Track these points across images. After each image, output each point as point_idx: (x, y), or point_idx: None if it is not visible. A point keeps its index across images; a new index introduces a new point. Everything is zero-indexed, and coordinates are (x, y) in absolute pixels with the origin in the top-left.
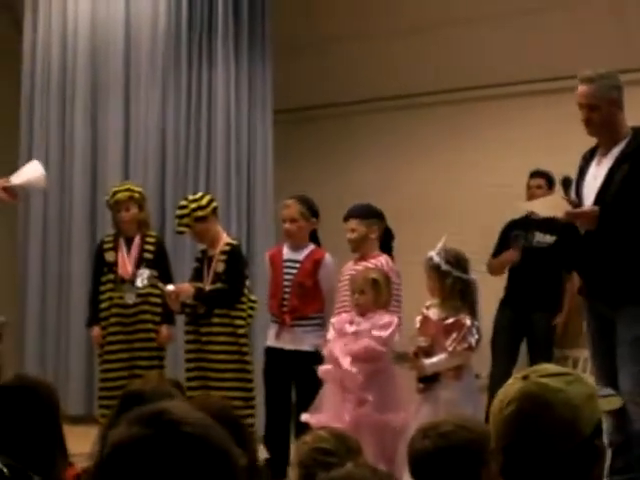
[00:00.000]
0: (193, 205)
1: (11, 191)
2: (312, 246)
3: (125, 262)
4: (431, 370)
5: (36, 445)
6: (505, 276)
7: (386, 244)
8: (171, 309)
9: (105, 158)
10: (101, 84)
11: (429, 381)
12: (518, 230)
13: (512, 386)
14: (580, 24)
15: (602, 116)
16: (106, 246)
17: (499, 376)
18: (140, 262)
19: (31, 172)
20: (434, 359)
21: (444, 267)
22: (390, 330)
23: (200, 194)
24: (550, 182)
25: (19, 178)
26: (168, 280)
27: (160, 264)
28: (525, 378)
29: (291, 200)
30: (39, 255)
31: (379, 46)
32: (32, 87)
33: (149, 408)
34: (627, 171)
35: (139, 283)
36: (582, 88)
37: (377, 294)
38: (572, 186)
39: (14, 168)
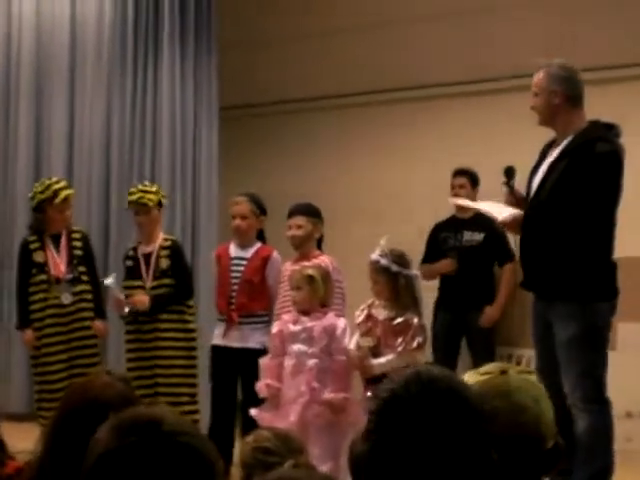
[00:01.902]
0: (157, 188)
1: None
2: (259, 244)
3: (57, 262)
4: (379, 370)
5: None
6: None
7: (318, 246)
8: (113, 308)
9: (49, 157)
10: (46, 83)
11: (376, 382)
12: (446, 232)
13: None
14: (522, 24)
15: (542, 105)
16: (33, 246)
17: None
18: (71, 260)
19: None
20: (382, 359)
21: (394, 268)
22: (346, 338)
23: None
24: (474, 181)
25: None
26: (95, 275)
27: (88, 260)
28: None
29: (241, 197)
30: None
31: (325, 43)
32: None
33: (140, 416)
34: (562, 170)
35: (110, 282)
36: (535, 75)
37: (313, 290)
38: (515, 176)
39: None
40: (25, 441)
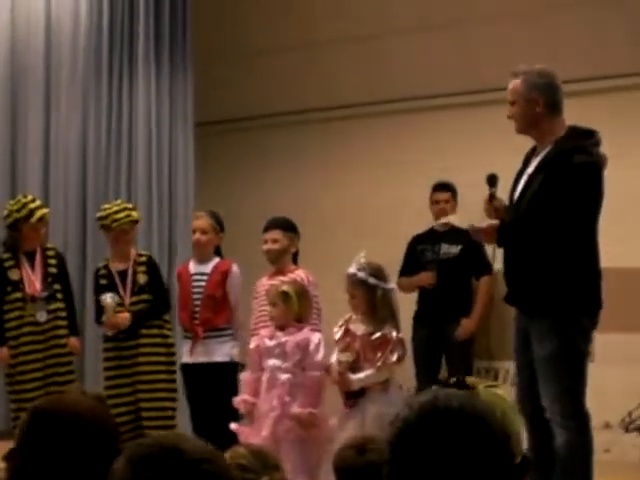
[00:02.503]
0: (131, 206)
1: None
2: (217, 259)
3: (32, 280)
4: (358, 385)
5: None
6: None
7: (294, 260)
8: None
9: (24, 170)
10: (20, 96)
11: (355, 396)
12: (423, 244)
13: None
14: (508, 37)
15: (519, 113)
16: (7, 264)
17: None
18: (46, 278)
19: None
20: (361, 375)
21: (371, 281)
22: (319, 353)
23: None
24: (455, 195)
25: None
26: (69, 293)
27: (63, 278)
28: None
29: (201, 212)
30: None
31: (300, 58)
32: None
33: (160, 445)
34: (540, 182)
35: (104, 298)
36: (511, 81)
37: (287, 307)
38: (498, 184)
39: None
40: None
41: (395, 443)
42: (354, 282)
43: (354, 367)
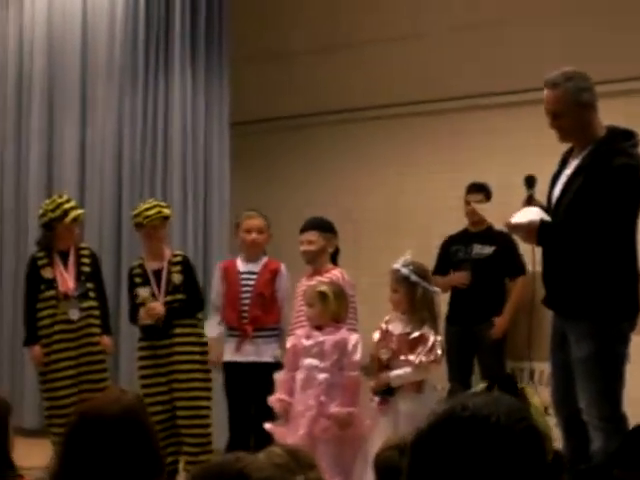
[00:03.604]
0: (163, 204)
1: None
2: (266, 257)
3: (65, 278)
4: (396, 383)
5: None
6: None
7: (333, 259)
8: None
9: (61, 167)
10: (57, 96)
11: (386, 394)
12: (457, 245)
13: None
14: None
15: (571, 122)
16: (40, 262)
17: (457, 392)
18: (79, 276)
19: None
20: (399, 372)
21: (413, 278)
22: (357, 354)
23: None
24: (488, 196)
25: None
26: (102, 292)
27: (96, 277)
28: None
29: (253, 212)
30: None
31: (338, 58)
32: None
33: (225, 469)
34: (579, 185)
35: (141, 292)
36: (546, 93)
37: (325, 307)
38: (536, 185)
39: None
40: (37, 457)
41: (415, 447)
42: (397, 278)
43: (388, 366)
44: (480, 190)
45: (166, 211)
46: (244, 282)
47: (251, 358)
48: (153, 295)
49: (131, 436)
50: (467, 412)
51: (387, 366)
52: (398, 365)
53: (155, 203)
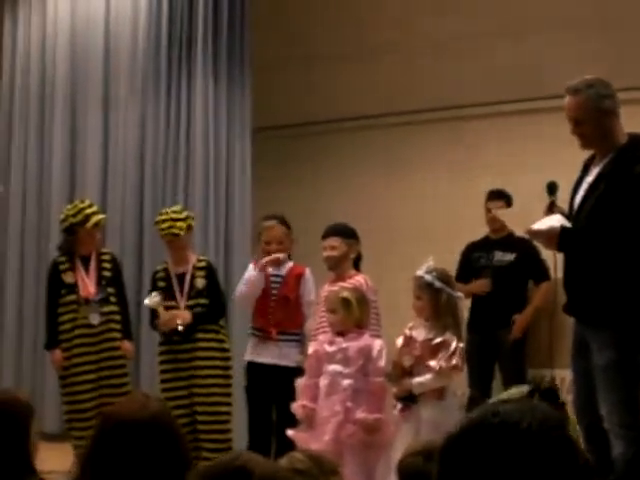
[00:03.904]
0: (186, 213)
1: None
2: (291, 262)
3: (86, 283)
4: (418, 390)
5: (3, 461)
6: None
7: (356, 265)
8: (156, 329)
9: (84, 172)
10: (80, 99)
11: (409, 401)
12: (478, 252)
13: None
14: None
15: (592, 129)
16: (62, 267)
17: (477, 399)
18: (100, 281)
19: None
20: (421, 379)
21: (437, 284)
22: (382, 359)
23: (184, 207)
24: (509, 203)
25: None
26: (123, 297)
27: (117, 282)
28: None
29: (273, 221)
30: (17, 271)
31: (359, 65)
32: (10, 105)
33: (230, 465)
34: (601, 192)
35: (147, 303)
36: (567, 100)
37: (348, 313)
38: (558, 192)
39: None
40: (58, 461)
41: (445, 453)
42: (421, 284)
43: (412, 373)
44: (500, 197)
45: (178, 225)
46: (271, 285)
47: (272, 360)
48: (175, 307)
49: (160, 442)
50: (497, 418)
51: (410, 373)
52: (421, 372)
53: (170, 216)
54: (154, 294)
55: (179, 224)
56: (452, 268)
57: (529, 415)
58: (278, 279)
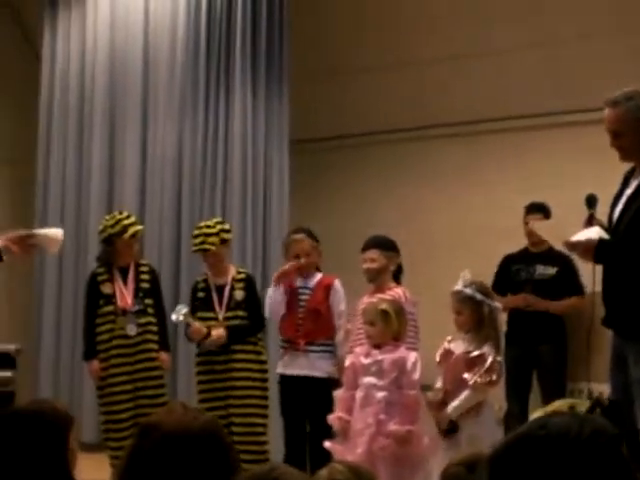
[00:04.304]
0: (220, 227)
1: (26, 244)
2: (320, 274)
3: (124, 294)
4: (456, 413)
5: (42, 471)
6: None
7: (396, 277)
8: (190, 340)
9: (122, 185)
10: (118, 112)
11: (452, 432)
12: (518, 264)
13: None
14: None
15: (631, 141)
16: (100, 278)
17: (514, 412)
18: (137, 292)
19: (52, 232)
20: (456, 402)
21: (479, 297)
22: (416, 372)
23: (221, 219)
24: (547, 215)
25: (39, 231)
26: (161, 308)
27: (155, 293)
28: None
29: (300, 235)
30: (55, 282)
31: (395, 77)
32: (49, 115)
33: (261, 477)
34: (639, 205)
35: (174, 319)
36: (607, 112)
37: (387, 325)
38: (597, 205)
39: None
40: (95, 471)
41: (493, 465)
42: (461, 299)
43: (446, 402)
44: (539, 210)
45: (210, 241)
46: (299, 297)
47: (302, 372)
48: (215, 319)
49: (211, 453)
50: (544, 430)
51: (444, 402)
52: (456, 391)
53: (202, 231)
54: (179, 307)
55: (211, 239)
56: (488, 280)
57: (577, 426)
58: (307, 291)
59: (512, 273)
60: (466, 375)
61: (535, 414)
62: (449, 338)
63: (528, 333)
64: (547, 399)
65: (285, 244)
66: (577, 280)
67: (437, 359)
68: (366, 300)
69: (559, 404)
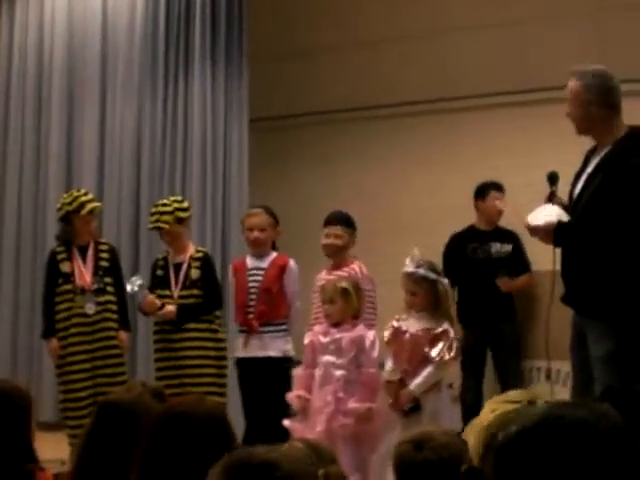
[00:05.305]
0: (176, 205)
1: None
2: (274, 253)
3: (83, 272)
4: (419, 391)
5: (4, 449)
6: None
7: None
8: (142, 312)
9: (80, 164)
10: (77, 90)
11: (414, 410)
12: (471, 243)
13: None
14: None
15: (577, 114)
16: (59, 257)
17: (470, 390)
18: (97, 271)
19: None
20: (419, 379)
21: (432, 276)
22: (375, 350)
23: (180, 198)
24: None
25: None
26: (120, 287)
27: (114, 272)
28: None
29: (258, 209)
30: (12, 262)
31: (355, 56)
32: (7, 93)
33: (255, 457)
34: (598, 183)
35: (129, 289)
36: (571, 84)
37: (347, 304)
38: (558, 182)
39: None
40: (55, 450)
41: (501, 453)
42: (415, 279)
43: (407, 369)
44: (500, 189)
45: (163, 219)
46: (252, 278)
47: (258, 353)
48: (169, 297)
49: (217, 440)
50: (558, 421)
51: (401, 380)
52: (413, 376)
53: (157, 209)
54: (134, 278)
55: (165, 217)
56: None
57: (594, 420)
58: (260, 271)
59: (468, 251)
60: (432, 352)
61: (494, 404)
62: (397, 317)
63: (485, 311)
64: (502, 377)
65: (242, 219)
66: (526, 257)
67: (385, 339)
68: (324, 276)
69: (514, 395)
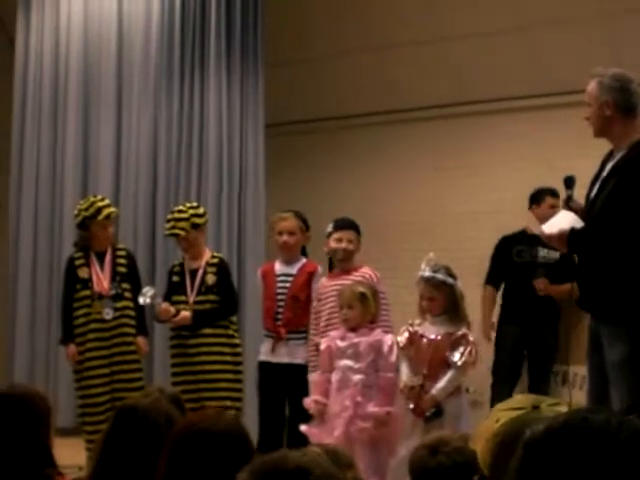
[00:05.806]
0: (192, 211)
1: None
2: (304, 259)
3: (100, 278)
4: (443, 395)
5: (24, 455)
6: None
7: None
8: (158, 320)
9: (96, 171)
10: (93, 97)
11: (436, 416)
12: (520, 245)
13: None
14: (568, 43)
15: (595, 116)
16: (77, 262)
17: (503, 396)
18: (114, 276)
19: None
20: (441, 384)
21: (450, 281)
22: (393, 355)
23: (196, 204)
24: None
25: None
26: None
27: (132, 278)
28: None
29: (288, 213)
30: (30, 269)
31: (369, 62)
32: (23, 100)
33: (287, 463)
34: (612, 188)
35: (141, 301)
36: (591, 86)
37: (365, 308)
38: (575, 186)
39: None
40: (72, 455)
41: (527, 454)
42: (434, 284)
43: (429, 374)
44: (557, 195)
45: (179, 226)
46: (280, 284)
47: (285, 359)
48: (185, 302)
49: (236, 455)
50: (585, 423)
51: (422, 386)
52: (435, 380)
53: (173, 216)
54: (146, 289)
55: (181, 224)
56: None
57: (616, 424)
58: (289, 278)
59: (514, 253)
60: (454, 356)
61: (499, 411)
62: (411, 322)
63: (528, 315)
64: (533, 382)
65: (270, 222)
66: (574, 267)
67: (401, 344)
68: (327, 282)
69: (517, 401)
